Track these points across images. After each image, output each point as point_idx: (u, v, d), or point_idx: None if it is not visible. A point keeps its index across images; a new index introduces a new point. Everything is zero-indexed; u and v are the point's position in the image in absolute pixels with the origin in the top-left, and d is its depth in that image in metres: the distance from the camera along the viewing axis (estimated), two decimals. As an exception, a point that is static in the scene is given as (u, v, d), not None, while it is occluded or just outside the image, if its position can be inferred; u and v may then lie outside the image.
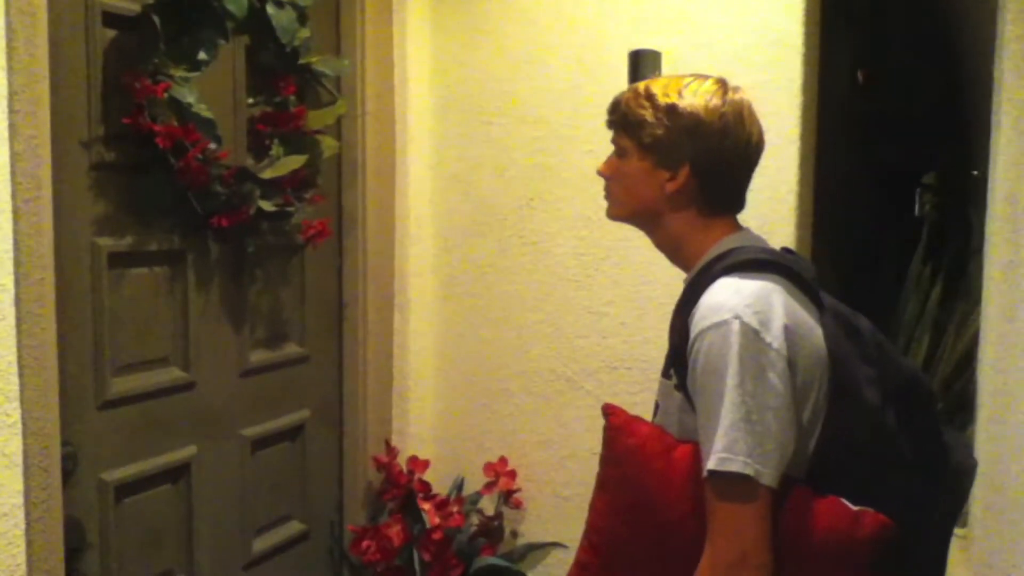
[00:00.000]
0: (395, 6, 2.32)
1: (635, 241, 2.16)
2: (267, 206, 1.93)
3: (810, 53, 2.11)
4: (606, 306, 2.32)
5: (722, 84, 1.28)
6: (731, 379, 1.11)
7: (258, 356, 2.07)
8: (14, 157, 1.43)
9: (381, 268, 2.36)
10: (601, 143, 2.00)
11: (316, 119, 2.02)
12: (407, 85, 2.38)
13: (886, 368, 1.22)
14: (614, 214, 1.36)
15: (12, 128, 1.42)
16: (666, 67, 2.09)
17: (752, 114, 1.28)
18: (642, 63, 2.12)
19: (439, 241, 2.51)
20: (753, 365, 1.11)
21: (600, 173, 1.35)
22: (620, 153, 1.31)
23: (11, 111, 1.42)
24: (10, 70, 1.41)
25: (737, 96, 1.27)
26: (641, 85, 1.30)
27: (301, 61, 1.98)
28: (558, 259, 2.37)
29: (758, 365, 1.12)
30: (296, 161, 1.96)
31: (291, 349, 2.18)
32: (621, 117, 1.30)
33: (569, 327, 2.37)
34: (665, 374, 1.30)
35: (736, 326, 1.12)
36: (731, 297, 1.15)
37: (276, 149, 1.95)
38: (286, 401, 2.16)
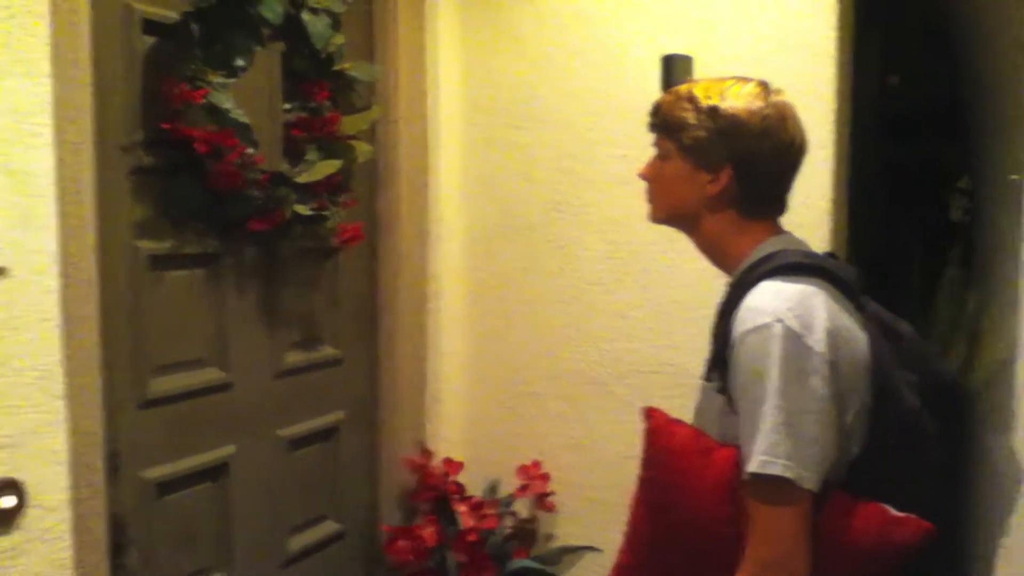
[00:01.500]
0: (426, 13, 2.35)
1: (662, 245, 2.17)
2: (302, 210, 1.95)
3: (843, 58, 2.09)
4: (634, 310, 2.32)
5: (764, 86, 1.28)
6: (773, 382, 1.11)
7: (293, 358, 2.10)
8: (59, 163, 1.46)
9: (413, 271, 2.38)
10: (628, 147, 2.04)
11: (350, 124, 2.05)
12: (438, 90, 2.40)
13: (926, 373, 1.22)
14: (655, 216, 1.37)
15: (57, 134, 1.45)
16: (696, 72, 2.09)
17: (794, 117, 1.28)
18: (674, 68, 2.12)
19: (469, 245, 2.53)
20: (795, 368, 1.11)
21: (642, 175, 1.36)
22: (662, 156, 1.32)
23: (56, 117, 1.45)
24: (55, 77, 1.45)
25: (779, 99, 1.28)
26: (683, 88, 1.31)
27: (335, 67, 2.00)
28: (585, 263, 2.37)
29: (800, 368, 1.11)
30: (330, 166, 1.99)
31: (325, 351, 2.20)
32: (662, 120, 1.31)
33: (597, 331, 2.37)
34: (707, 377, 1.30)
35: (778, 329, 1.12)
36: (773, 300, 1.15)
37: (311, 154, 1.98)
38: (321, 402, 2.19)
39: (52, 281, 1.47)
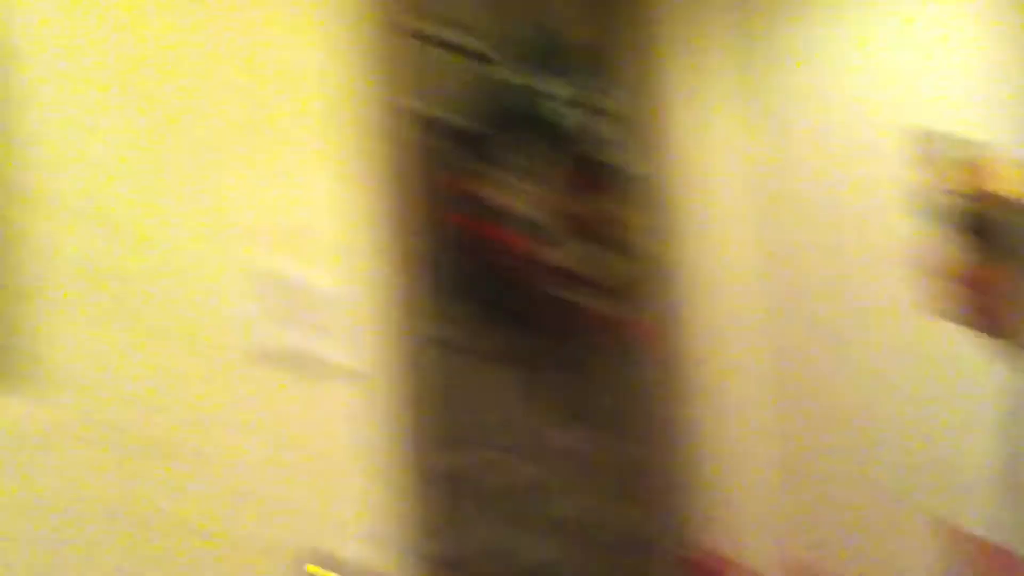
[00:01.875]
0: (707, 102, 2.34)
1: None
2: (589, 304, 1.97)
3: None
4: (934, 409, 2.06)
5: None
6: None
7: (560, 440, 2.07)
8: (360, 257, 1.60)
9: (694, 360, 2.32)
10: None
11: (635, 220, 2.04)
12: (722, 184, 2.37)
13: None
14: (972, 323, 1.20)
15: (344, 240, 1.60)
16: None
17: None
18: (935, 146, 1.92)
19: (761, 340, 2.42)
20: None
21: (952, 278, 1.21)
22: (982, 260, 1.17)
23: (347, 219, 1.60)
24: (350, 179, 1.60)
25: None
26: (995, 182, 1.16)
27: (621, 163, 2.02)
28: (871, 354, 2.19)
29: None
30: (617, 261, 1.99)
31: (610, 437, 2.17)
32: (954, 212, 1.17)
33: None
34: None
35: None
36: None
37: (597, 249, 1.99)
38: (603, 489, 2.15)
39: (352, 369, 1.58)
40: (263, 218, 1.50)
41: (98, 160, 1.31)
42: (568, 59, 1.92)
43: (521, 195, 1.80)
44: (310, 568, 1.37)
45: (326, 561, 1.44)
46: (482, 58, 1.88)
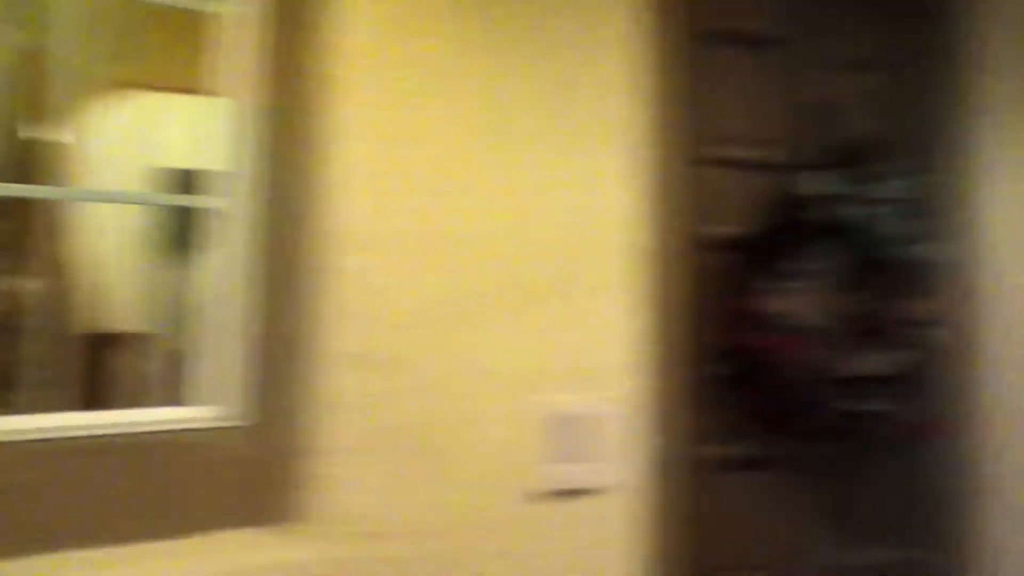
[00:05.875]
0: (992, 180, 2.13)
1: None
2: (862, 405, 1.82)
3: None
4: None
5: None
6: None
7: (847, 559, 1.93)
8: (652, 383, 1.58)
9: (980, 463, 2.08)
10: None
11: (921, 310, 1.89)
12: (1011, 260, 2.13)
13: None
14: None
15: (651, 359, 1.58)
16: None
17: None
18: None
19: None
20: None
21: None
22: None
23: (650, 343, 1.59)
24: (649, 308, 1.59)
25: None
26: None
27: (901, 253, 1.88)
28: None
29: None
30: (895, 357, 1.84)
31: (888, 553, 1.99)
32: None
33: None
34: None
35: None
36: None
37: (878, 345, 1.85)
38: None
39: (640, 496, 1.56)
40: (556, 360, 1.50)
41: (391, 310, 1.35)
42: (850, 154, 1.80)
43: (809, 303, 1.70)
44: None
45: None
46: (759, 168, 1.81)
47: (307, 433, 1.29)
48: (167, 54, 2.10)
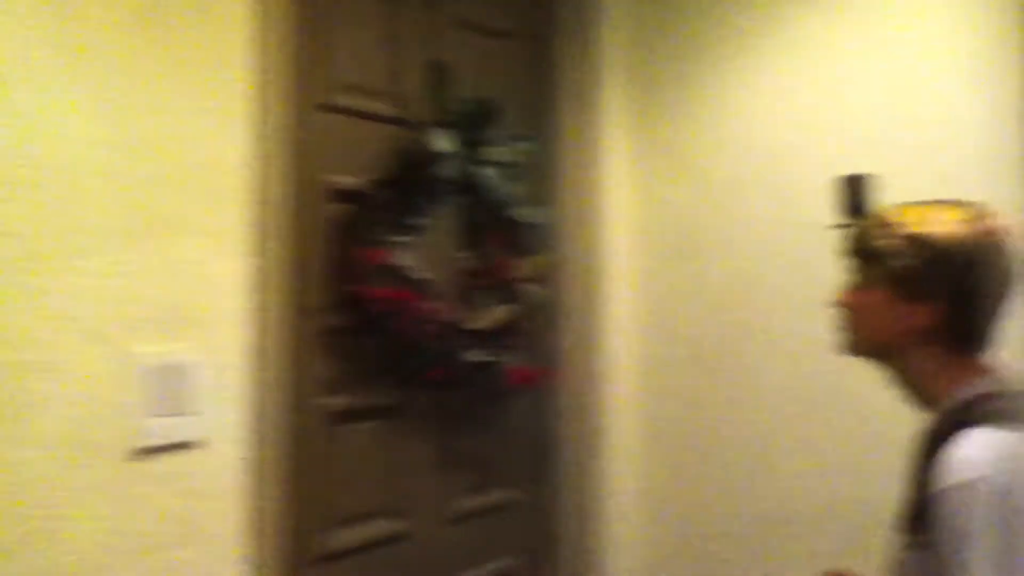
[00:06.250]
0: (598, 153, 2.36)
1: (852, 372, 2.02)
2: (477, 356, 1.95)
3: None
4: (824, 443, 2.16)
5: (975, 209, 1.17)
6: (977, 549, 1.00)
7: (468, 503, 2.07)
8: (255, 334, 1.53)
9: (587, 410, 2.33)
10: (809, 273, 1.91)
11: (523, 268, 2.05)
12: (611, 228, 2.39)
13: None
14: (853, 347, 1.26)
15: (251, 307, 1.53)
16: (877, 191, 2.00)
17: (1010, 242, 1.17)
18: (854, 187, 2.03)
19: (645, 381, 2.45)
20: (1006, 533, 1.00)
21: (841, 303, 1.27)
22: (863, 284, 1.22)
23: (251, 291, 1.53)
24: (251, 254, 1.54)
25: (995, 223, 1.17)
26: (885, 212, 1.22)
27: (509, 214, 2.02)
28: (769, 392, 2.24)
29: (1013, 533, 1.00)
30: (503, 311, 1.99)
31: (500, 494, 2.16)
32: (865, 246, 1.22)
33: (784, 466, 2.22)
34: (902, 529, 1.17)
35: (983, 489, 1.01)
36: (979, 455, 1.04)
37: (486, 300, 1.99)
38: (496, 547, 2.14)
39: (242, 449, 1.51)
40: (154, 307, 1.40)
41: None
42: (470, 116, 1.89)
43: (427, 257, 1.76)
44: None
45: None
46: (387, 121, 1.84)
47: None
48: None
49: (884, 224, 1.20)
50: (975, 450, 1.05)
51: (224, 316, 1.49)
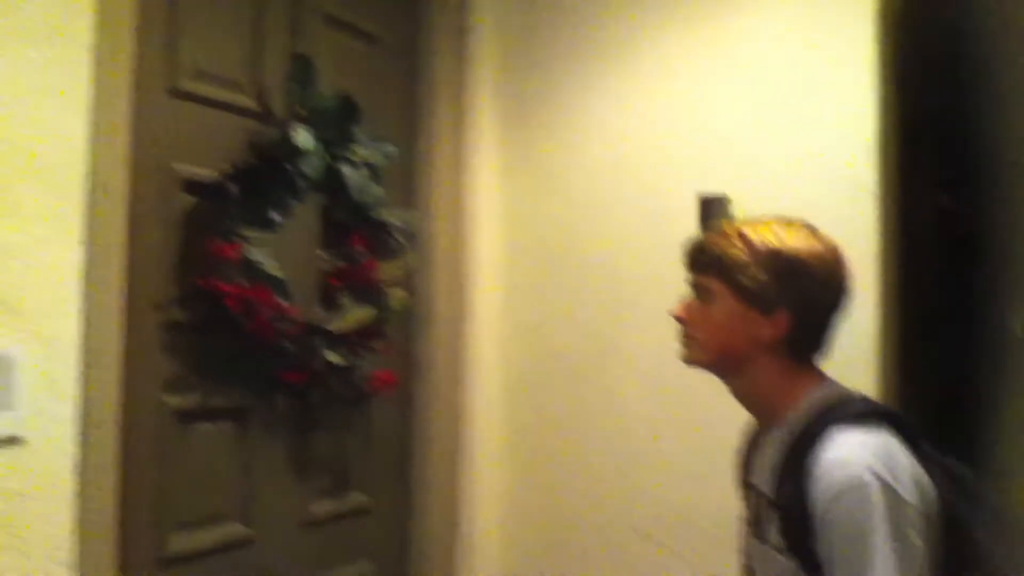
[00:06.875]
0: (465, 161, 2.36)
1: (712, 386, 2.07)
2: (335, 359, 1.91)
3: (887, 195, 2.03)
4: (682, 455, 2.21)
5: (812, 227, 1.24)
6: (879, 543, 1.05)
7: (320, 508, 2.03)
8: (87, 328, 1.45)
9: (449, 417, 2.32)
10: (672, 290, 1.95)
11: (386, 271, 2.02)
12: (477, 236, 2.39)
13: (987, 510, 1.17)
14: (696, 359, 1.29)
15: (87, 299, 1.45)
16: (737, 212, 2.06)
17: (846, 259, 1.24)
18: (712, 208, 2.09)
19: (509, 390, 2.46)
20: (897, 525, 1.05)
21: (678, 317, 1.30)
22: (705, 296, 1.26)
23: (87, 282, 1.45)
24: (88, 243, 1.45)
25: (831, 241, 1.23)
26: (733, 227, 1.26)
27: (372, 215, 1.99)
28: (631, 405, 2.28)
29: (901, 524, 1.06)
30: (364, 313, 1.96)
31: (355, 499, 2.13)
32: (713, 259, 1.25)
33: (643, 478, 2.26)
34: (760, 537, 1.20)
35: (876, 485, 1.06)
36: (860, 454, 1.09)
37: (346, 302, 1.95)
38: (349, 553, 2.10)
39: (69, 447, 1.43)
40: None
41: None
42: (333, 113, 1.85)
43: (282, 254, 1.72)
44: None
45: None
46: (245, 113, 1.79)
47: None
48: None
49: (731, 237, 1.24)
50: (852, 451, 1.09)
51: (54, 307, 1.41)
